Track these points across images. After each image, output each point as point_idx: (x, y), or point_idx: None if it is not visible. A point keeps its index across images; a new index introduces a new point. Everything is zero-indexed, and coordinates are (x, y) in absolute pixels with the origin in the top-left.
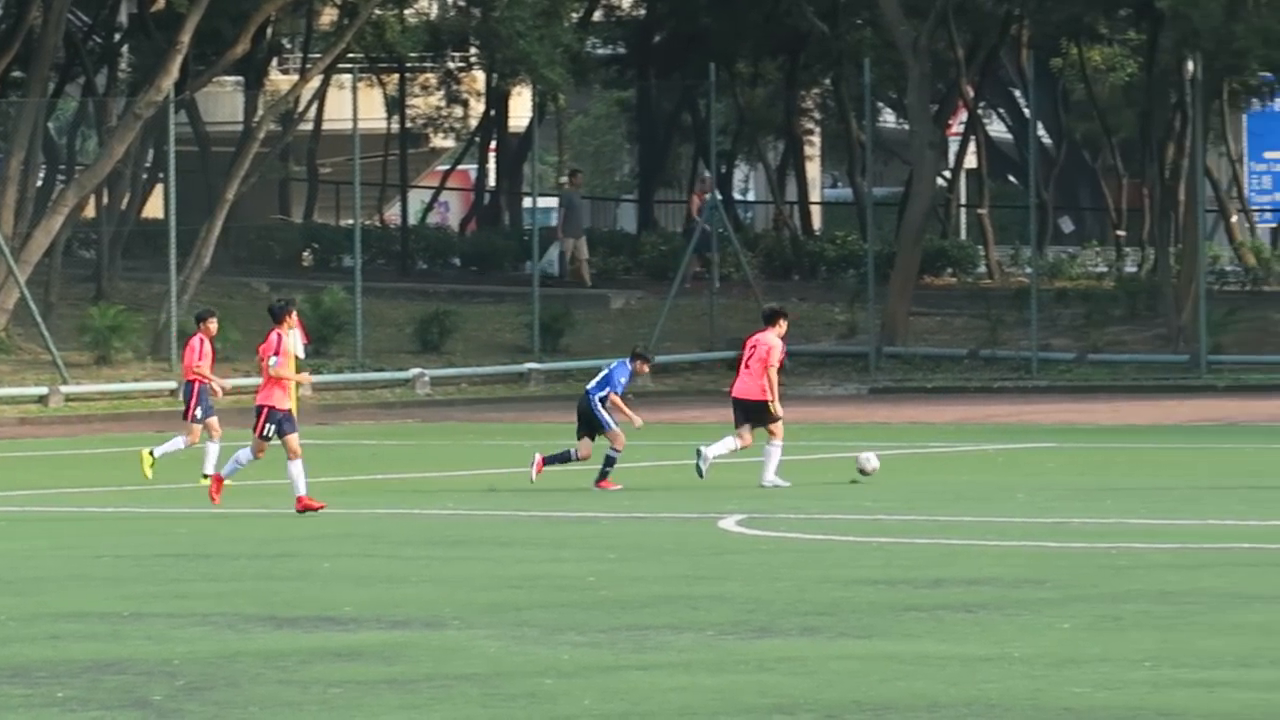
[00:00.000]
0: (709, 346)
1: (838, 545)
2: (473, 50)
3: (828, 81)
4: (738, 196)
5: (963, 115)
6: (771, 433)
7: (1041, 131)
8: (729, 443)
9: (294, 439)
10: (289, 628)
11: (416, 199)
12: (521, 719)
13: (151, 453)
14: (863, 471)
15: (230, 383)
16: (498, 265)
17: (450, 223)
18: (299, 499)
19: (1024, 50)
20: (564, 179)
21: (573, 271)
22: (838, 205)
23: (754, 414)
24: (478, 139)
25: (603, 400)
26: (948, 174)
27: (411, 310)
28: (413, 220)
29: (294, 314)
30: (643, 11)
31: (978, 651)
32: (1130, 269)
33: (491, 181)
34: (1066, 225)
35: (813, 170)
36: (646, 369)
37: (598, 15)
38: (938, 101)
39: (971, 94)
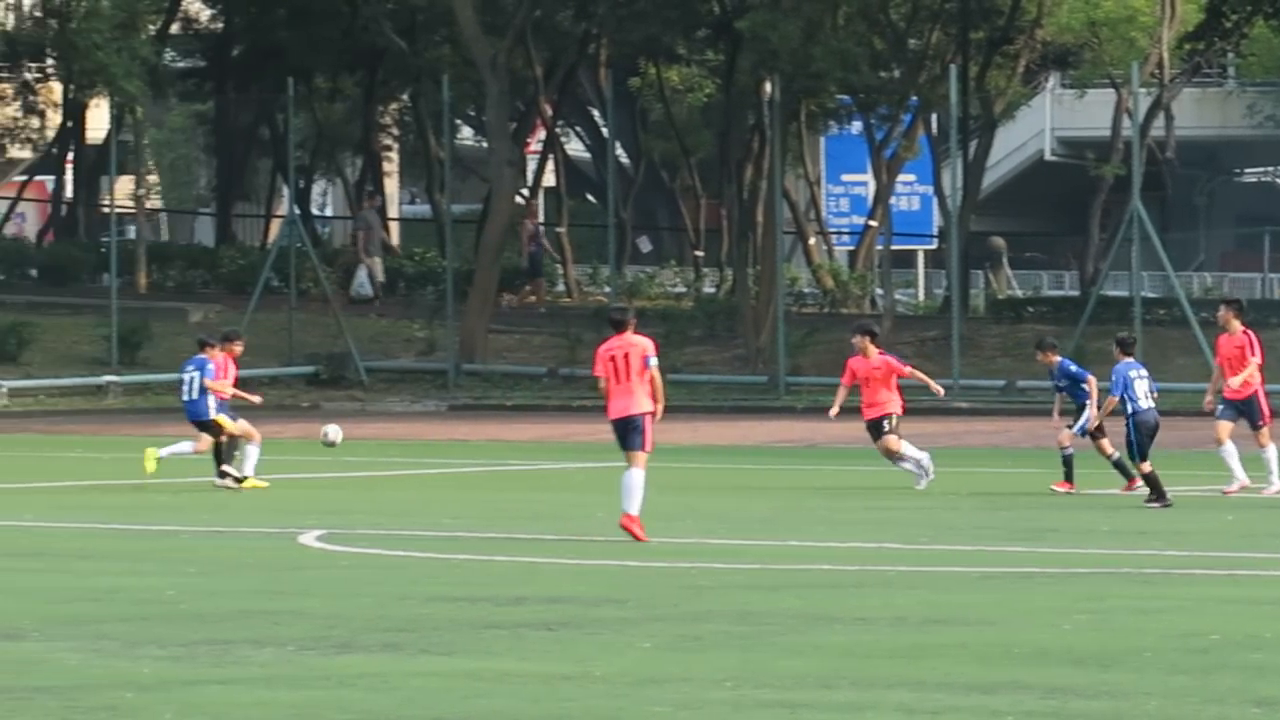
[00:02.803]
0: (287, 361)
1: (418, 561)
2: (50, 61)
3: (406, 97)
4: (315, 212)
5: (541, 133)
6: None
7: (620, 151)
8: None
9: None
10: None
11: None
12: None
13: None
14: (330, 443)
15: None
16: (75, 277)
17: (27, 234)
18: None
19: (602, 69)
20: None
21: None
22: (416, 222)
23: None
24: (55, 150)
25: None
26: (526, 192)
27: None
28: None
29: None
30: (220, 25)
31: (559, 669)
32: (709, 290)
33: (69, 193)
34: (644, 245)
35: (391, 186)
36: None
37: (175, 28)
38: (516, 119)
39: (550, 112)
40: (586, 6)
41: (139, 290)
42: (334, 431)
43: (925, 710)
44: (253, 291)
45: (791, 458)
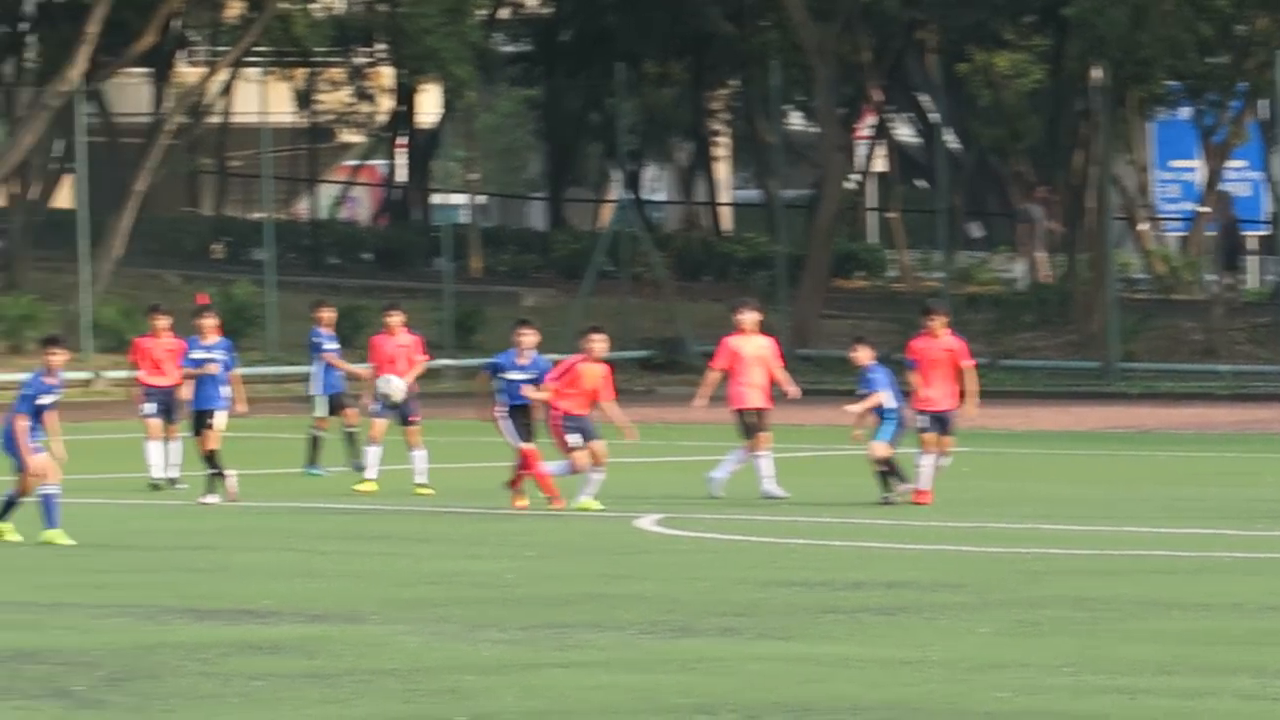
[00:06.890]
0: (622, 346)
1: (755, 546)
2: (380, 46)
3: (735, 82)
4: (646, 196)
5: (871, 119)
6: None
7: (950, 136)
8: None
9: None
10: (209, 620)
11: (326, 194)
12: (443, 715)
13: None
14: (387, 397)
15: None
16: (409, 261)
17: (359, 217)
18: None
19: (930, 55)
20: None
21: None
22: (747, 206)
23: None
24: (386, 134)
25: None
26: (856, 177)
27: None
28: (322, 215)
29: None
30: (549, 10)
31: (897, 654)
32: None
33: (400, 177)
34: (975, 230)
35: (722, 171)
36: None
37: (504, 13)
38: (846, 105)
39: (879, 98)
40: None
41: (472, 274)
42: (395, 386)
43: (1267, 697)
44: (585, 276)
45: (1125, 443)
